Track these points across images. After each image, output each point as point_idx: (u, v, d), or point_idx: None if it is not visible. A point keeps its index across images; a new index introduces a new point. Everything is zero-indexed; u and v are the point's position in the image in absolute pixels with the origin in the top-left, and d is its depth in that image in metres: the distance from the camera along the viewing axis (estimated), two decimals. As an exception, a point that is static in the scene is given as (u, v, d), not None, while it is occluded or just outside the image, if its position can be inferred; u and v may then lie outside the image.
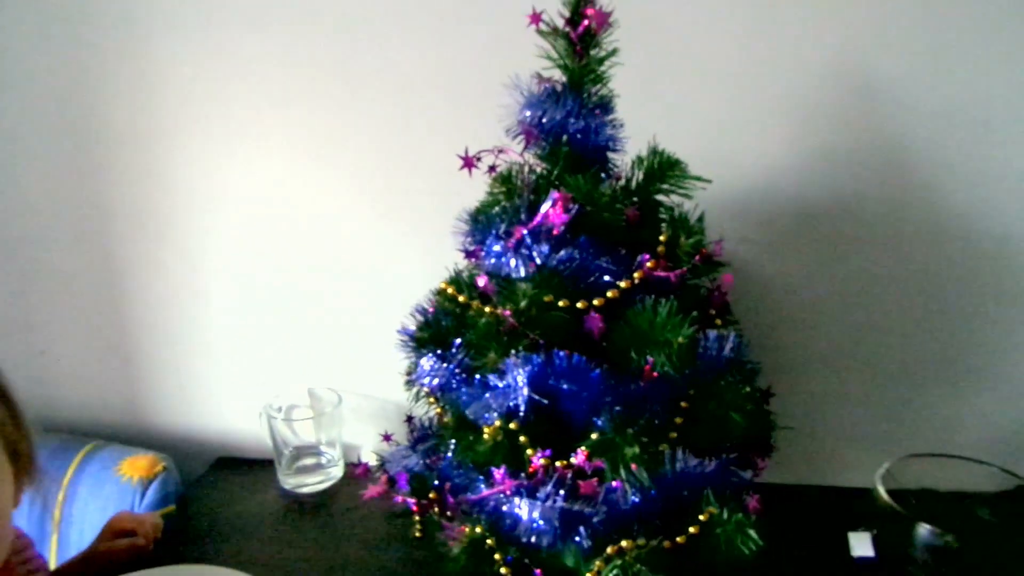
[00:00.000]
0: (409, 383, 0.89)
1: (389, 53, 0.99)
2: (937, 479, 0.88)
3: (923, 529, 0.80)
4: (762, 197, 0.98)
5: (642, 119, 0.78)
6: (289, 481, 1.09)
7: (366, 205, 1.06)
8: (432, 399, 0.86)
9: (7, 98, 1.08)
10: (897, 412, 1.02)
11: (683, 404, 0.72)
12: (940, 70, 0.90)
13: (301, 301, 1.12)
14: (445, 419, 0.83)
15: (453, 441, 0.77)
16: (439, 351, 0.79)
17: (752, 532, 0.68)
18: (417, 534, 0.84)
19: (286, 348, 1.14)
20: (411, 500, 0.77)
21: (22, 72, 1.07)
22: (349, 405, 1.13)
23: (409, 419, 0.97)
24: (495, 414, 0.70)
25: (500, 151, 0.80)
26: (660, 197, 0.75)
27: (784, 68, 0.92)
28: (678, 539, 0.70)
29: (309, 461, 1.11)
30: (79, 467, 1.06)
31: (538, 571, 0.71)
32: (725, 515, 0.70)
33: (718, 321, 0.80)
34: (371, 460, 1.12)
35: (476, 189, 0.82)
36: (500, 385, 0.70)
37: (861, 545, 0.89)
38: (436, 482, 0.78)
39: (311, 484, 1.09)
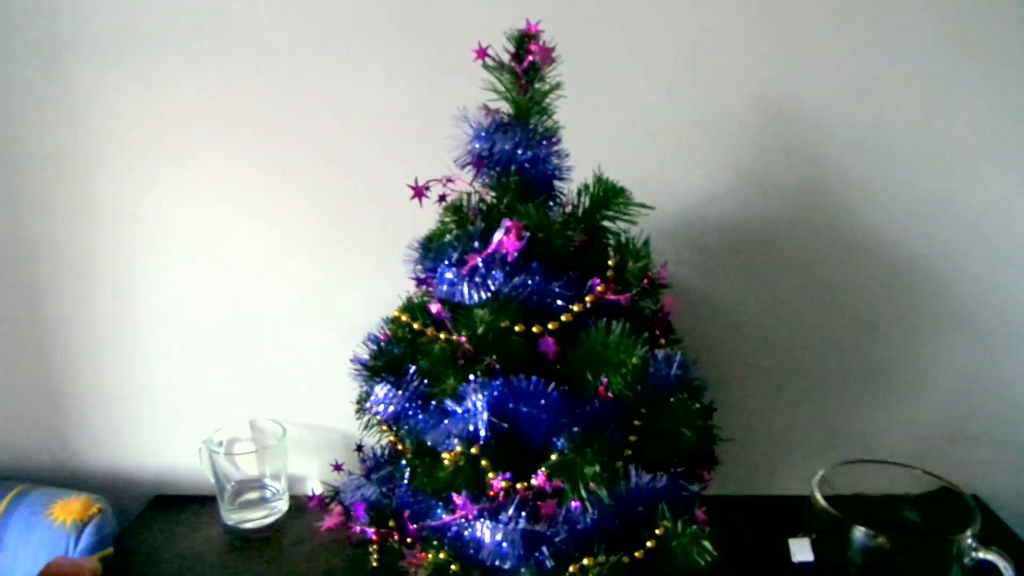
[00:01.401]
0: (360, 412, 0.88)
1: (331, 82, 1.00)
2: (868, 484, 0.93)
3: (859, 532, 0.85)
4: (695, 221, 1.02)
5: (584, 149, 0.81)
6: (232, 517, 1.07)
7: (309, 235, 1.06)
8: (385, 427, 0.86)
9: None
10: (830, 421, 1.08)
11: (636, 423, 0.74)
12: (855, 100, 0.97)
13: (241, 333, 1.10)
14: (401, 447, 0.83)
15: (411, 469, 0.77)
16: (393, 379, 0.79)
17: (706, 543, 0.71)
18: (374, 564, 0.83)
19: (226, 381, 1.12)
20: (370, 530, 0.77)
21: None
22: (293, 436, 1.11)
23: (359, 448, 0.96)
24: (455, 440, 0.71)
25: (449, 180, 0.82)
26: (606, 223, 0.78)
27: (711, 100, 0.97)
28: (636, 554, 0.72)
29: (253, 495, 1.09)
30: (6, 512, 1.01)
31: (501, 594, 0.72)
32: (679, 528, 0.72)
33: (662, 341, 0.84)
34: (318, 490, 1.11)
35: (421, 219, 0.83)
36: (459, 411, 0.71)
37: (801, 551, 0.93)
38: (394, 510, 0.78)
39: (256, 519, 1.07)
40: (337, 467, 0.95)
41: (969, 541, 0.83)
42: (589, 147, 0.82)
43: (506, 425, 0.69)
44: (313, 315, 1.09)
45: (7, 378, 1.12)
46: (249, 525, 1.06)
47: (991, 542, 0.84)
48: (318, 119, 1.01)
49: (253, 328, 1.10)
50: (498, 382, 0.70)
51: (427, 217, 0.84)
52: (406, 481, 0.79)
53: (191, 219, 1.05)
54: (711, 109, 0.98)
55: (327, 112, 1.01)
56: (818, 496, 0.89)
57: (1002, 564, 0.81)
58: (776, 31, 0.95)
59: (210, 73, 1.00)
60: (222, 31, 0.98)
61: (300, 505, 1.11)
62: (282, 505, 1.10)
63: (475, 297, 0.75)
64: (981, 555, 0.83)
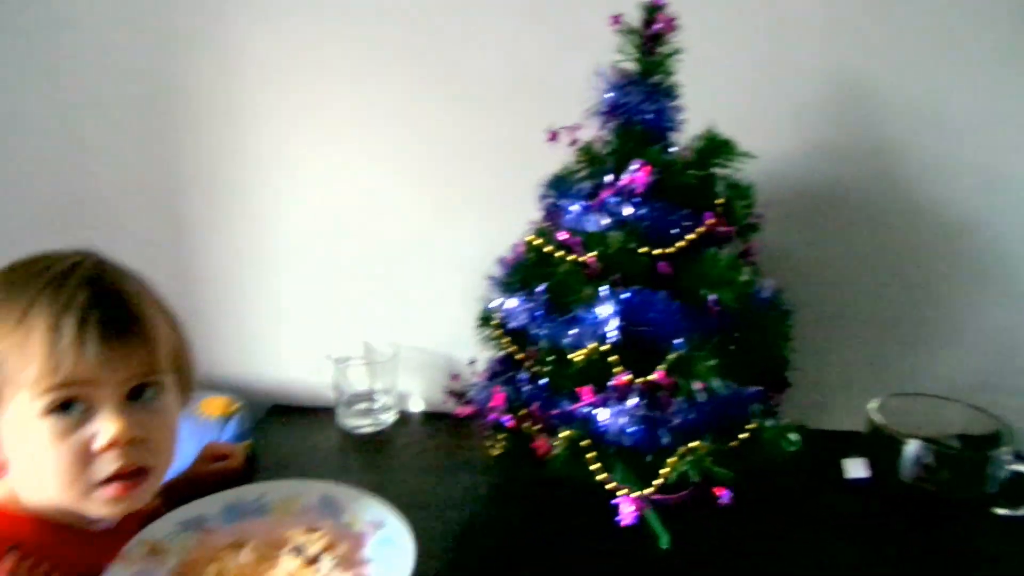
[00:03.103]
0: (484, 326, 1.03)
1: (454, 40, 1.13)
2: (916, 418, 1.06)
3: (911, 446, 0.99)
4: (767, 181, 1.16)
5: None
6: (348, 423, 1.22)
7: (425, 178, 1.20)
8: (506, 340, 1.00)
9: (95, 71, 1.18)
10: (879, 366, 1.22)
11: (736, 334, 0.88)
12: (917, 76, 1.10)
13: (361, 263, 1.24)
14: (521, 355, 0.98)
15: (542, 368, 0.92)
16: (524, 293, 0.93)
17: (792, 435, 0.85)
18: (498, 450, 0.98)
19: (345, 305, 1.27)
20: (506, 417, 0.91)
21: (110, 44, 1.16)
22: (401, 357, 1.25)
23: (472, 362, 1.12)
24: (587, 341, 0.85)
25: (577, 127, 0.95)
26: (714, 170, 0.91)
27: (789, 72, 1.11)
28: (731, 443, 0.87)
29: (363, 406, 1.24)
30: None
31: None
32: (768, 423, 0.87)
33: (751, 275, 0.98)
34: (420, 407, 1.26)
35: (528, 167, 0.98)
36: (593, 316, 0.85)
37: (855, 468, 1.08)
38: (524, 403, 0.93)
39: (366, 426, 1.22)
40: (454, 377, 1.10)
41: (1005, 456, 0.97)
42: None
43: (634, 328, 0.84)
44: (425, 249, 1.23)
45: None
46: (362, 431, 1.21)
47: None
48: (440, 76, 1.15)
49: (371, 259, 1.24)
50: (627, 293, 0.84)
51: (535, 165, 0.99)
52: (542, 380, 0.93)
53: (324, 159, 1.19)
54: (787, 81, 1.11)
55: (449, 68, 1.14)
56: (875, 416, 1.04)
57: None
58: (851, 11, 1.08)
59: (344, 28, 1.14)
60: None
61: (405, 418, 1.26)
62: (390, 417, 1.24)
63: (603, 224, 0.89)
64: (1015, 467, 0.97)
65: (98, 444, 0.67)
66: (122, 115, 1.20)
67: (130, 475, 0.69)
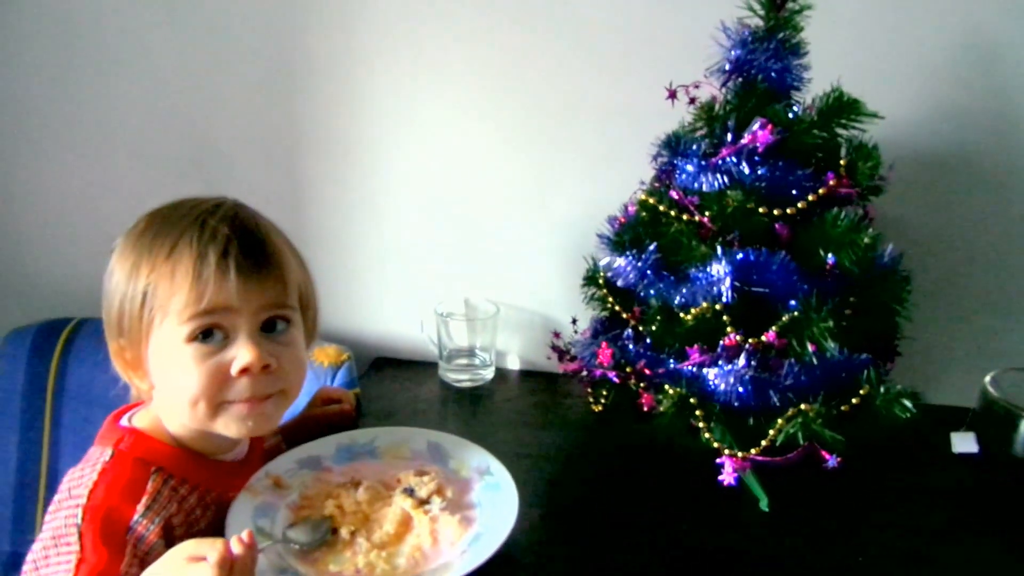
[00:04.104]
0: (589, 285, 1.04)
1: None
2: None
3: (1028, 422, 0.96)
4: (887, 144, 1.12)
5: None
6: (448, 377, 1.25)
7: (531, 141, 1.21)
8: (612, 298, 1.01)
9: (216, 29, 1.23)
10: (989, 340, 1.18)
11: (852, 299, 0.87)
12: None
13: (465, 221, 1.27)
14: (626, 315, 0.99)
15: (651, 325, 0.92)
16: (634, 251, 0.94)
17: (907, 402, 0.84)
18: (600, 407, 1.00)
19: (448, 262, 1.29)
20: (612, 373, 0.93)
21: (230, 4, 1.21)
22: (501, 315, 1.28)
23: (574, 321, 1.13)
24: (702, 300, 0.86)
25: (696, 85, 0.95)
26: (839, 129, 0.90)
27: (919, 33, 1.07)
28: (843, 407, 0.86)
29: (463, 361, 1.27)
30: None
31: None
32: (883, 389, 0.85)
33: (867, 239, 0.96)
34: (517, 365, 1.28)
35: (630, 133, 1.00)
36: (708, 275, 0.85)
37: (964, 443, 1.05)
38: (629, 360, 0.94)
39: (466, 381, 1.25)
40: (556, 335, 1.12)
41: None
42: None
43: (749, 288, 0.83)
44: (528, 210, 1.24)
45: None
46: (462, 385, 1.24)
47: None
48: (552, 30, 1.15)
49: (475, 217, 1.26)
50: (743, 253, 0.84)
51: (644, 125, 0.98)
52: (641, 338, 0.94)
53: (435, 118, 1.22)
54: (913, 41, 1.07)
55: (561, 22, 1.14)
56: (991, 389, 1.01)
57: None
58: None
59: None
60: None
61: (503, 375, 1.29)
62: (489, 373, 1.27)
63: (718, 184, 0.89)
64: None
65: (234, 369, 0.72)
66: (242, 70, 1.24)
67: (259, 398, 0.74)
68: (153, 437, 0.77)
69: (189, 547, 0.65)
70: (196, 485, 0.77)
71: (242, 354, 0.72)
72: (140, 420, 0.78)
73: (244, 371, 0.72)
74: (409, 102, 1.22)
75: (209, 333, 0.72)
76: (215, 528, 0.77)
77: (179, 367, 0.72)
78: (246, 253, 0.72)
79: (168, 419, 0.77)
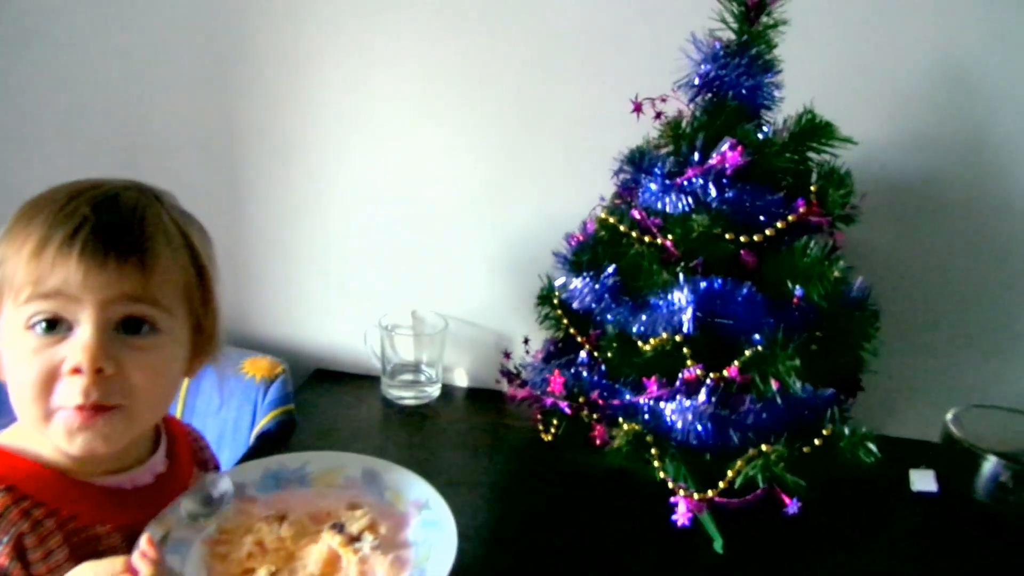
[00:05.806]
0: (542, 304, 0.98)
1: (535, 3, 1.07)
2: (991, 433, 1.00)
3: (989, 463, 0.93)
4: (857, 171, 1.09)
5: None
6: (391, 393, 1.18)
7: (490, 147, 1.14)
8: (567, 320, 0.95)
9: (152, 11, 1.14)
10: (953, 374, 1.15)
11: (818, 333, 0.82)
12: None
13: (414, 229, 1.19)
14: (581, 338, 0.93)
15: (607, 354, 0.87)
16: (591, 273, 0.88)
17: (871, 445, 0.79)
18: (550, 436, 0.94)
19: (395, 272, 1.22)
20: (564, 403, 0.87)
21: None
22: (450, 330, 1.21)
23: (526, 341, 1.07)
24: (661, 329, 0.80)
25: (663, 99, 0.89)
26: (810, 153, 0.85)
27: (894, 57, 1.03)
28: (805, 448, 0.81)
29: (408, 378, 1.20)
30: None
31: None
32: (847, 431, 0.81)
33: (834, 270, 0.91)
34: (465, 382, 1.22)
35: (594, 145, 0.94)
36: (668, 303, 0.79)
37: (923, 481, 1.02)
38: (583, 390, 0.88)
39: (410, 398, 1.18)
40: (507, 355, 1.05)
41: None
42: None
43: (712, 319, 0.78)
44: (482, 221, 1.18)
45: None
46: (406, 402, 1.17)
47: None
48: (513, 37, 1.09)
49: (426, 226, 1.19)
50: (707, 281, 0.79)
51: (607, 139, 0.93)
52: (596, 365, 0.88)
53: (387, 119, 1.14)
54: (886, 69, 1.03)
55: (523, 29, 1.08)
56: (952, 427, 0.97)
57: None
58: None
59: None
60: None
61: (449, 393, 1.22)
62: (435, 391, 1.20)
63: (682, 206, 0.83)
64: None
65: (65, 367, 0.62)
66: (180, 61, 1.15)
67: (93, 409, 0.63)
68: (8, 450, 0.66)
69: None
70: (55, 510, 0.65)
71: (74, 349, 0.61)
72: (7, 429, 0.68)
73: (75, 371, 0.61)
74: (360, 100, 1.14)
75: (53, 324, 0.62)
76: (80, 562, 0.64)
77: (17, 357, 0.63)
78: (99, 236, 0.61)
79: (27, 426, 0.66)
